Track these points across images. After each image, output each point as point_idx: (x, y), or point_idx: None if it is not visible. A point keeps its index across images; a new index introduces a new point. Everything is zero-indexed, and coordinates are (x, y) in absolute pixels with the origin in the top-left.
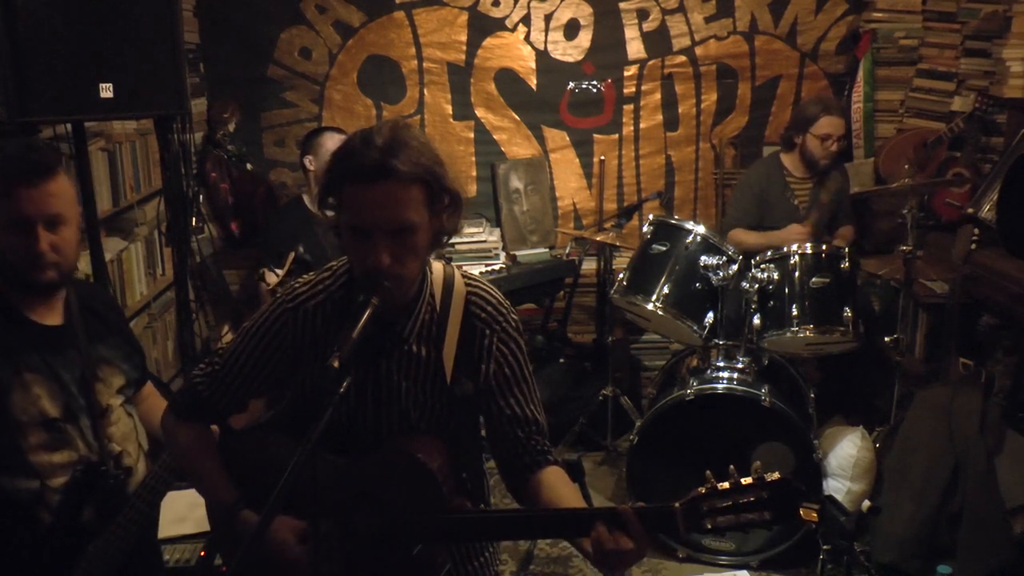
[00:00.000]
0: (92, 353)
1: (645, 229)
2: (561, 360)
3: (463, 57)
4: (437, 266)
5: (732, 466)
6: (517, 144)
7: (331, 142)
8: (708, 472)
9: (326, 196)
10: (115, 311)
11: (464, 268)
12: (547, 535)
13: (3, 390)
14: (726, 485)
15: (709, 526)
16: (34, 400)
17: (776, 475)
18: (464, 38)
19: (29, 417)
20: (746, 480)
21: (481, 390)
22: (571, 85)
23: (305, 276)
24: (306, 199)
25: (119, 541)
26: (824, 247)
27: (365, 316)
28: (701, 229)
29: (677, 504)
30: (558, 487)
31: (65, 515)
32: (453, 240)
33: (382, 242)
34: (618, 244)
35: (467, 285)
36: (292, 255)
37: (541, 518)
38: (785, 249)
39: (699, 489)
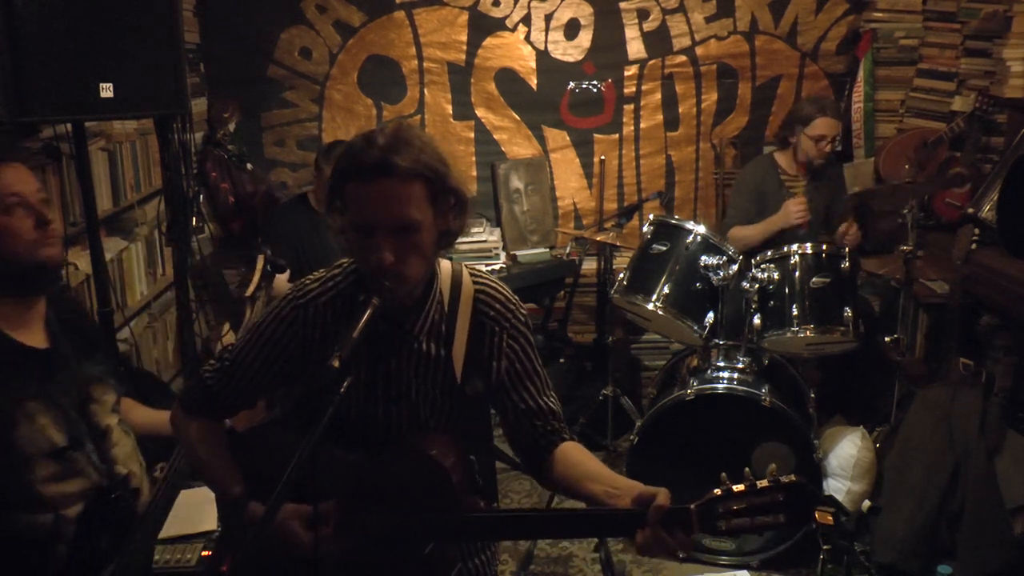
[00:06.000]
0: (83, 373)
1: (645, 229)
2: (561, 360)
3: (463, 57)
4: (445, 265)
5: (747, 469)
6: (517, 144)
7: None
8: (724, 474)
9: (332, 198)
10: (90, 321)
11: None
12: (563, 535)
13: (9, 423)
14: (741, 487)
15: (723, 527)
16: (40, 430)
17: (792, 478)
18: (464, 38)
19: (36, 448)
20: (761, 483)
21: (493, 388)
22: (571, 85)
23: (316, 273)
24: (311, 198)
25: (134, 565)
26: (824, 247)
27: (365, 316)
28: (701, 229)
29: (693, 505)
30: (579, 461)
31: (82, 547)
32: None
33: (385, 240)
34: (618, 244)
35: (475, 283)
36: (261, 258)
37: (557, 518)
38: (785, 249)
39: (715, 491)
